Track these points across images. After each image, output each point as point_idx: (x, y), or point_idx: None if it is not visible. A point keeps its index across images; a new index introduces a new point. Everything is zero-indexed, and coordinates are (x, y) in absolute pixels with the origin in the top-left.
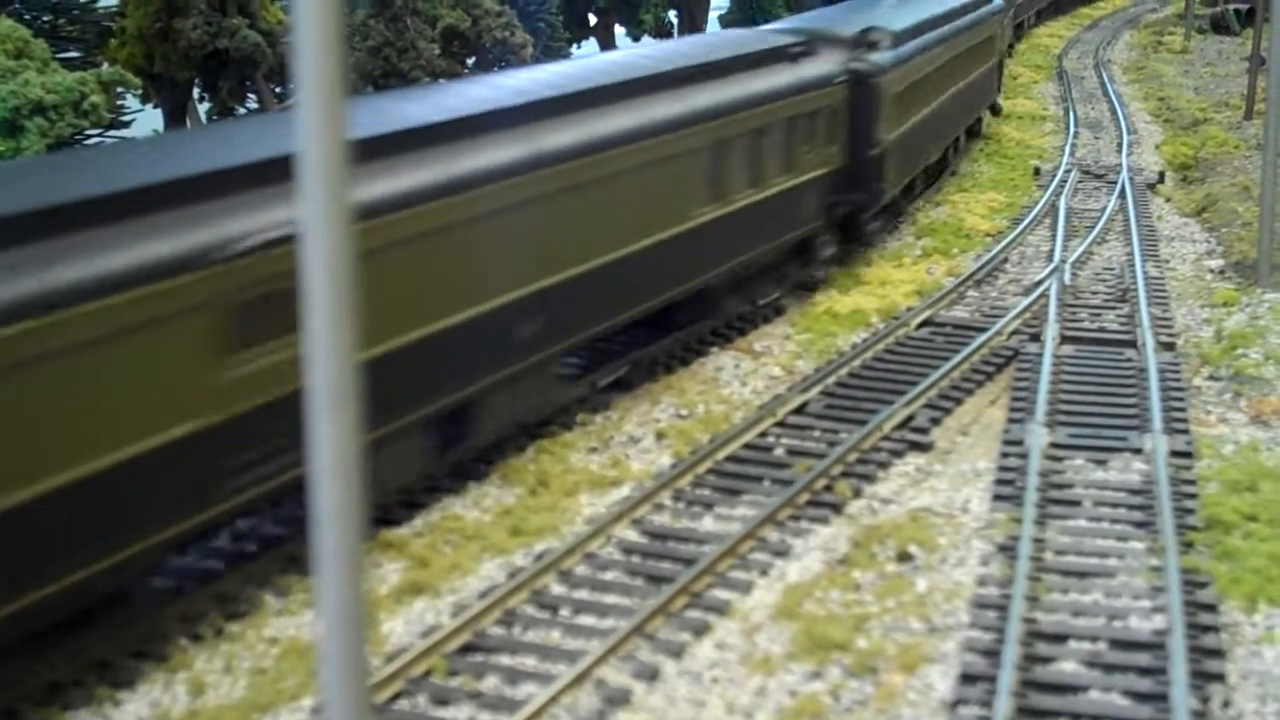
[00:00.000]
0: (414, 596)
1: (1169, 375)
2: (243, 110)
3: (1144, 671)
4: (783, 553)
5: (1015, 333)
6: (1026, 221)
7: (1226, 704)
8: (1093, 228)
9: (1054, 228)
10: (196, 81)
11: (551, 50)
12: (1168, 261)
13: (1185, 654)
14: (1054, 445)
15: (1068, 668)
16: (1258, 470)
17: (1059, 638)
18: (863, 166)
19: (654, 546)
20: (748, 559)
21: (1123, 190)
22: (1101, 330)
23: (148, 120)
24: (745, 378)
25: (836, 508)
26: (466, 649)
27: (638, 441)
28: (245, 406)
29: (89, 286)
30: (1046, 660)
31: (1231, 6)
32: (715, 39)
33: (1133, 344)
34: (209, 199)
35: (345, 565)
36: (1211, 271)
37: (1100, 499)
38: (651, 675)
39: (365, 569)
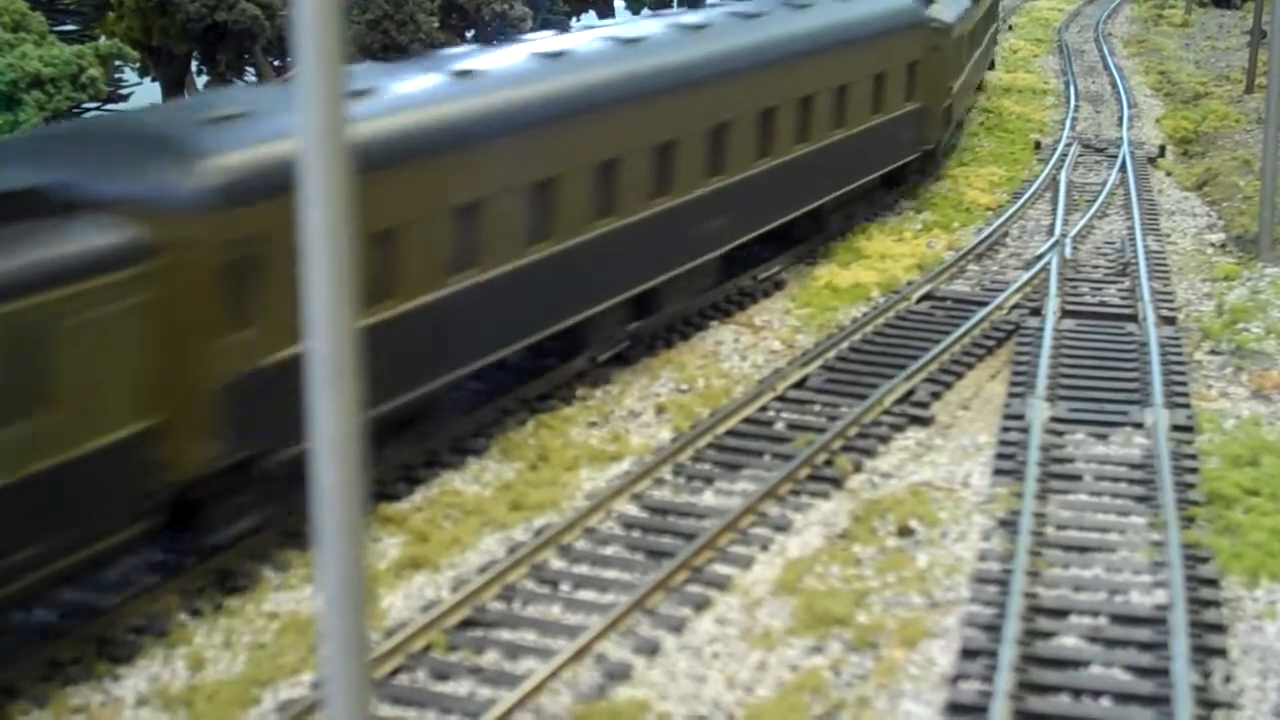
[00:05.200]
0: (414, 571)
1: (1170, 349)
2: (241, 83)
3: (1145, 646)
4: (783, 527)
5: (1016, 307)
6: (1027, 195)
7: (1228, 679)
8: (1093, 202)
9: (1054, 202)
10: (195, 54)
11: (551, 24)
12: (1168, 235)
13: (1186, 629)
14: (1055, 419)
15: (1069, 643)
16: (1259, 444)
17: (1060, 613)
18: None
19: (654, 521)
20: (748, 534)
21: (1123, 164)
22: (1102, 304)
23: (146, 93)
24: (745, 352)
25: (837, 482)
26: (466, 624)
27: (638, 416)
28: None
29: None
30: (1047, 635)
31: None
32: None
33: (1133, 318)
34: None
35: (346, 540)
36: (1212, 245)
37: (1101, 473)
38: (652, 650)
39: (365, 544)
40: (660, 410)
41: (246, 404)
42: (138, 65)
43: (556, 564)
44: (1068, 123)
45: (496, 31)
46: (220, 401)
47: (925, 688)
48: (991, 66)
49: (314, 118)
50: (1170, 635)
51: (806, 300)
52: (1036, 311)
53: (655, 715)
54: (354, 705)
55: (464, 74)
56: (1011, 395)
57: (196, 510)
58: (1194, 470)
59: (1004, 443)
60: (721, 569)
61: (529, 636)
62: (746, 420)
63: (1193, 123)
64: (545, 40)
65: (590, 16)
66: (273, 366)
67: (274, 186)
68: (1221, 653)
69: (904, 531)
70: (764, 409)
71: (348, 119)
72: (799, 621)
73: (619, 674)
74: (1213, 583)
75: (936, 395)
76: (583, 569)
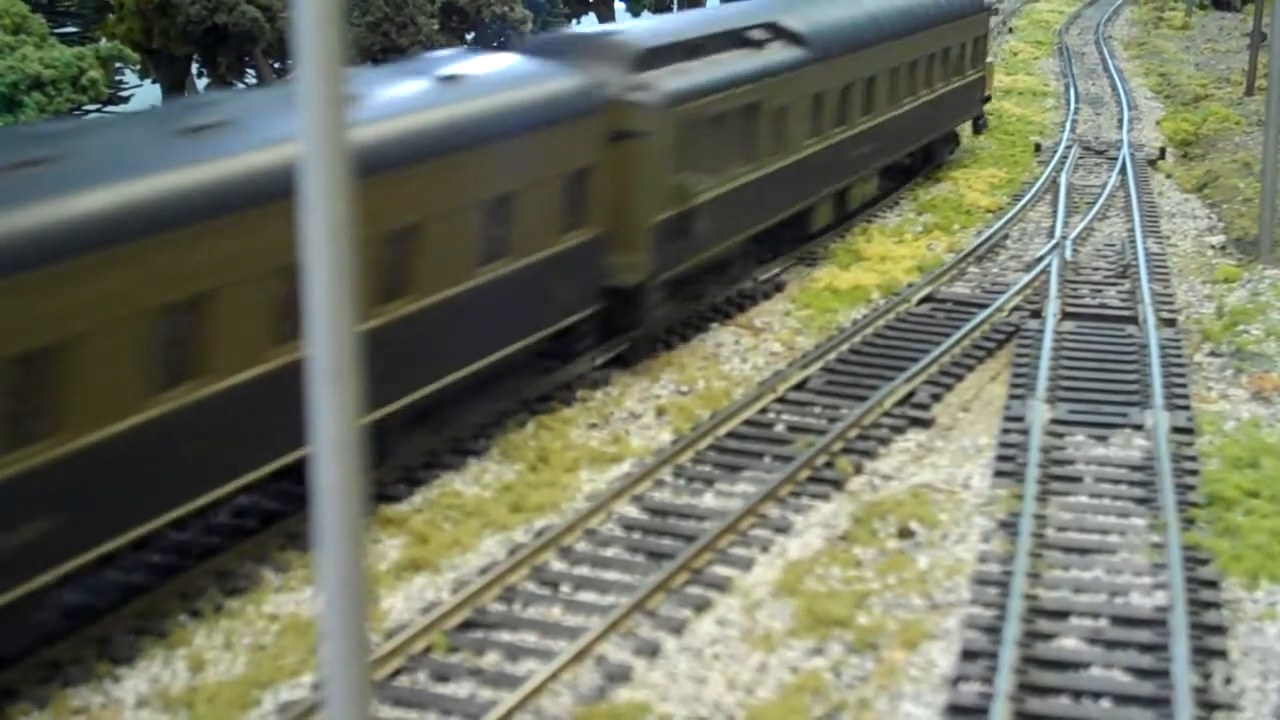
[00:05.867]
0: (414, 573)
1: (1170, 351)
2: (241, 85)
3: (1145, 648)
4: (784, 529)
5: (1016, 309)
6: (1027, 197)
7: (1228, 681)
8: (1094, 204)
9: (1055, 204)
10: (195, 57)
11: (550, 26)
12: (1169, 237)
13: (1187, 630)
14: (1055, 421)
15: (1069, 644)
16: (1259, 446)
17: (1060, 614)
18: None
19: (655, 523)
20: (749, 535)
21: (1123, 166)
22: (1102, 306)
23: (146, 95)
24: (746, 354)
25: (837, 484)
26: (467, 625)
27: (638, 417)
28: None
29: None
30: (1048, 637)
31: None
32: None
33: (1134, 320)
34: None
35: (346, 541)
36: (1213, 247)
37: (1101, 475)
38: (652, 652)
39: (365, 545)
40: (660, 412)
41: None
42: (138, 67)
43: (557, 565)
44: (1068, 125)
45: (497, 34)
46: None
47: (926, 689)
48: (979, 127)
49: (314, 120)
50: (1170, 637)
51: (807, 302)
52: (1037, 314)
53: (656, 717)
54: (354, 706)
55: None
56: (1012, 397)
57: None
58: (1194, 472)
59: (1004, 444)
60: (722, 571)
61: (529, 638)
62: (747, 422)
63: (1193, 125)
64: None
65: (590, 19)
66: None
67: None
68: (1222, 654)
69: (904, 533)
70: (764, 411)
71: (348, 121)
72: (799, 623)
73: (619, 675)
74: (1213, 584)
75: (937, 397)
76: (583, 570)
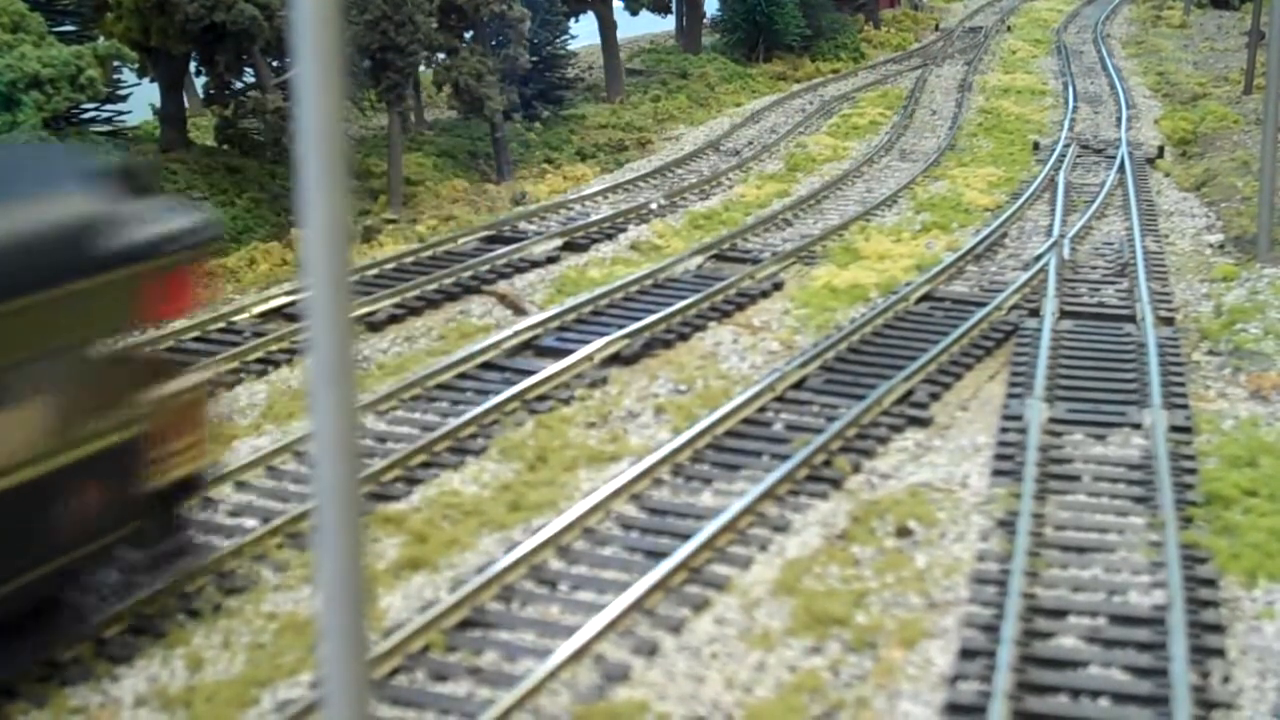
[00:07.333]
0: (412, 572)
1: (1168, 350)
2: (239, 84)
3: (1144, 647)
4: (782, 528)
5: (1014, 307)
6: (1025, 196)
7: (1227, 679)
8: (1092, 202)
9: (1053, 202)
10: (193, 55)
11: (550, 25)
12: (1167, 236)
13: (1185, 629)
14: (1053, 420)
15: (1067, 643)
16: (1257, 445)
17: (1059, 613)
18: None
19: (653, 522)
20: (747, 534)
21: (1122, 165)
22: (1101, 305)
23: (145, 94)
24: (744, 352)
25: (836, 483)
26: (465, 624)
27: (636, 416)
28: None
29: None
30: (1046, 635)
31: None
32: None
33: (1132, 319)
34: None
35: (345, 540)
36: (1211, 246)
37: (1100, 474)
38: (650, 651)
39: (364, 543)
40: (659, 411)
41: None
42: (136, 66)
43: (555, 564)
44: (1066, 123)
45: (495, 33)
46: None
47: (924, 688)
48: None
49: (313, 119)
50: (1169, 635)
51: (805, 300)
52: (1035, 312)
53: (654, 716)
54: (353, 705)
55: None
56: (1010, 396)
57: None
58: (1192, 471)
59: (1002, 443)
60: (720, 569)
61: (527, 637)
62: (745, 421)
63: (1191, 123)
64: None
65: (589, 18)
66: None
67: None
68: (1220, 653)
69: (903, 532)
70: (762, 410)
71: (347, 120)
72: (798, 622)
73: (617, 675)
74: (1211, 583)
75: (935, 396)
76: (581, 569)
